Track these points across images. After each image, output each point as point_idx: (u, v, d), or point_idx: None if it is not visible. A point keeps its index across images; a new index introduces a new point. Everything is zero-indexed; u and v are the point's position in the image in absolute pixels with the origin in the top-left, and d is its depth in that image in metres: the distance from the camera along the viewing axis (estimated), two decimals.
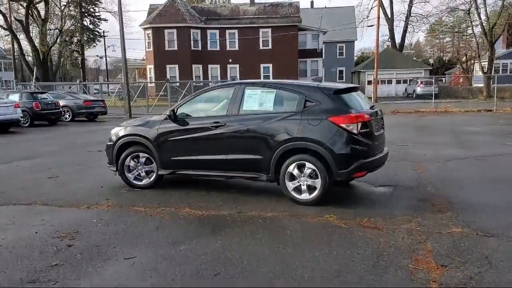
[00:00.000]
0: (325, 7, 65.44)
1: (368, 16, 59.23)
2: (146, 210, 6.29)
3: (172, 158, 7.19)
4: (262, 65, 43.08)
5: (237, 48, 43.59)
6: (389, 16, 56.85)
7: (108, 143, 7.85)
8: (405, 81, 46.30)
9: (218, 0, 69.20)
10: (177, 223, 5.70)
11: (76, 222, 5.78)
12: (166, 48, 42.70)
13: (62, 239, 5.15)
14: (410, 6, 58.10)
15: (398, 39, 58.54)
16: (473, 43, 42.08)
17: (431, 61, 71.61)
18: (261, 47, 43.31)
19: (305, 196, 6.35)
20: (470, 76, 45.10)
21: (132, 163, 7.52)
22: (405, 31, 59.34)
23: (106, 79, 64.83)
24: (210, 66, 43.56)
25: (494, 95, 27.00)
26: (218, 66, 43.58)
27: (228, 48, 43.63)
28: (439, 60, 73.40)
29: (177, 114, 7.19)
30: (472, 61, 48.27)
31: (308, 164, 6.27)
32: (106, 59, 68.88)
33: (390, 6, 56.91)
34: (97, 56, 72.60)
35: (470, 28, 40.71)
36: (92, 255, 4.67)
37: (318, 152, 6.21)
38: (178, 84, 29.39)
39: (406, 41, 61.13)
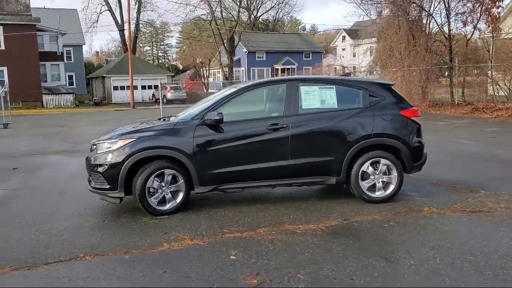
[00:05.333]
0: (44, 8, 59.78)
1: (97, 21, 57.44)
2: (249, 235, 5.07)
3: (216, 171, 5.91)
4: None
5: None
6: (120, 22, 56.34)
7: (105, 162, 5.83)
8: (150, 87, 46.80)
9: None
10: (330, 241, 4.84)
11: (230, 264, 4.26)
12: None
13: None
14: (138, 13, 59.05)
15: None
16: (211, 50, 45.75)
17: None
18: None
19: (380, 193, 6.23)
20: (206, 82, 48.89)
21: (155, 184, 5.80)
22: (136, 38, 59.87)
23: None
24: None
25: None
26: None
27: None
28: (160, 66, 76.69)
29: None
30: (206, 68, 52.41)
31: (383, 161, 6.19)
32: None
33: (120, 13, 56.33)
34: None
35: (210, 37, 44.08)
36: None
37: (393, 147, 6.21)
38: None
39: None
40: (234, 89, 6.37)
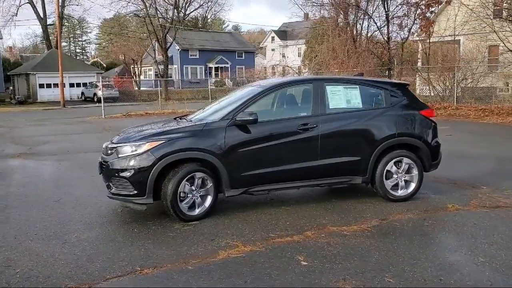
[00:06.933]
0: None
1: (16, 14, 53.54)
2: (300, 239, 4.93)
3: (248, 174, 5.71)
4: None
5: None
6: (42, 16, 53.02)
7: (131, 166, 5.42)
8: (78, 85, 44.57)
9: None
10: (387, 242, 4.81)
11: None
12: None
13: None
14: (62, 7, 55.94)
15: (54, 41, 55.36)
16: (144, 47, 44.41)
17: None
18: None
19: (403, 192, 6.32)
20: (138, 80, 47.32)
21: (186, 188, 5.47)
22: (61, 33, 56.64)
23: None
24: None
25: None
26: None
27: None
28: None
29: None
30: (137, 65, 50.73)
31: (405, 160, 6.28)
32: None
33: (43, 6, 53.00)
34: None
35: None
36: None
37: (415, 146, 6.32)
38: None
39: None
40: (260, 89, 6.14)
